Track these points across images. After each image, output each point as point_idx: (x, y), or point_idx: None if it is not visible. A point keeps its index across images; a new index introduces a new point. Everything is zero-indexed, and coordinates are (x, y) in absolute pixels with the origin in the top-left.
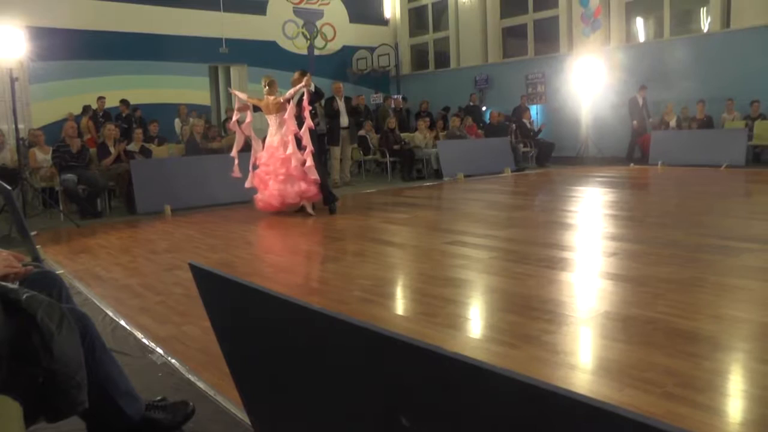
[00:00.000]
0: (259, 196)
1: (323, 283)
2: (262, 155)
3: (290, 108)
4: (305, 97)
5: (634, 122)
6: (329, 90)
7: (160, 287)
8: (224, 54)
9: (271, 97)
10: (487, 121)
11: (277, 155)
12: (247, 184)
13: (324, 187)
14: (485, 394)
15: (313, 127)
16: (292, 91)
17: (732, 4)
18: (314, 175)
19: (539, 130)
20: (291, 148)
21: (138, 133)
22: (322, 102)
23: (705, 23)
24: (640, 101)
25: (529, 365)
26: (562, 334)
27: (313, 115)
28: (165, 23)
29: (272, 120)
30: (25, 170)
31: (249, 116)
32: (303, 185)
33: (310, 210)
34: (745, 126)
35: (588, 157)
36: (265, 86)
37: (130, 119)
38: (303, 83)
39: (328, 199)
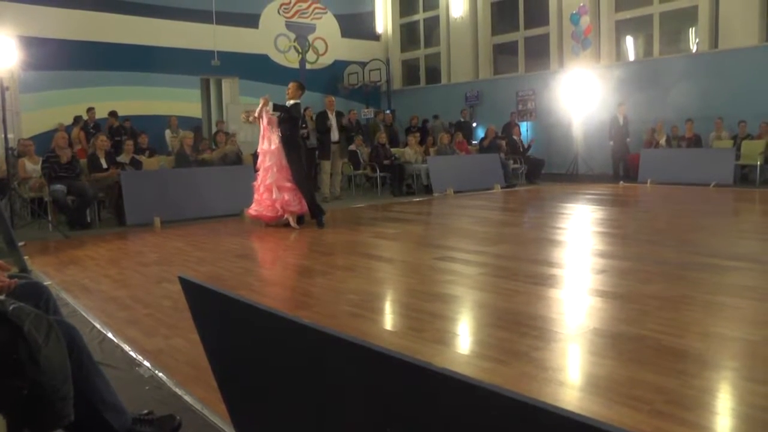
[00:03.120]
0: (252, 207)
1: (312, 297)
2: (258, 165)
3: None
4: (264, 116)
5: (611, 142)
6: (321, 104)
7: (149, 300)
8: (216, 66)
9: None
10: (482, 136)
11: (266, 166)
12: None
13: (311, 201)
14: (473, 409)
15: (270, 150)
16: (256, 111)
17: (720, 24)
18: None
19: (529, 146)
20: (269, 160)
21: (128, 144)
22: (313, 116)
23: (694, 43)
24: (621, 120)
25: (517, 381)
26: (551, 351)
27: (303, 128)
28: (157, 35)
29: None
30: (13, 180)
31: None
32: (286, 197)
33: (293, 223)
34: (732, 145)
35: (578, 174)
36: (247, 120)
37: (120, 131)
38: (261, 104)
39: (315, 213)
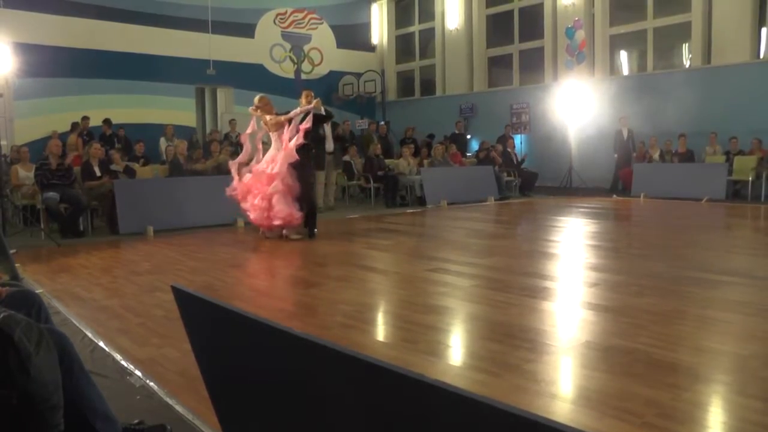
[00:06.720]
0: (252, 214)
1: (305, 308)
2: (257, 167)
3: (289, 128)
4: (307, 119)
5: (615, 155)
6: None
7: (141, 309)
8: (211, 76)
9: (268, 116)
10: (476, 150)
11: (267, 171)
12: (228, 191)
13: (312, 212)
14: (466, 421)
15: (294, 147)
16: (297, 110)
17: (713, 41)
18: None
19: (522, 160)
20: (278, 168)
21: (116, 155)
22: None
23: (687, 58)
24: (625, 133)
25: (510, 394)
26: (543, 363)
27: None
28: (153, 43)
29: (274, 137)
30: (6, 187)
31: (251, 127)
32: (284, 209)
33: (293, 236)
34: (725, 161)
35: (571, 187)
36: (257, 107)
37: (112, 140)
38: (312, 104)
39: (309, 224)
